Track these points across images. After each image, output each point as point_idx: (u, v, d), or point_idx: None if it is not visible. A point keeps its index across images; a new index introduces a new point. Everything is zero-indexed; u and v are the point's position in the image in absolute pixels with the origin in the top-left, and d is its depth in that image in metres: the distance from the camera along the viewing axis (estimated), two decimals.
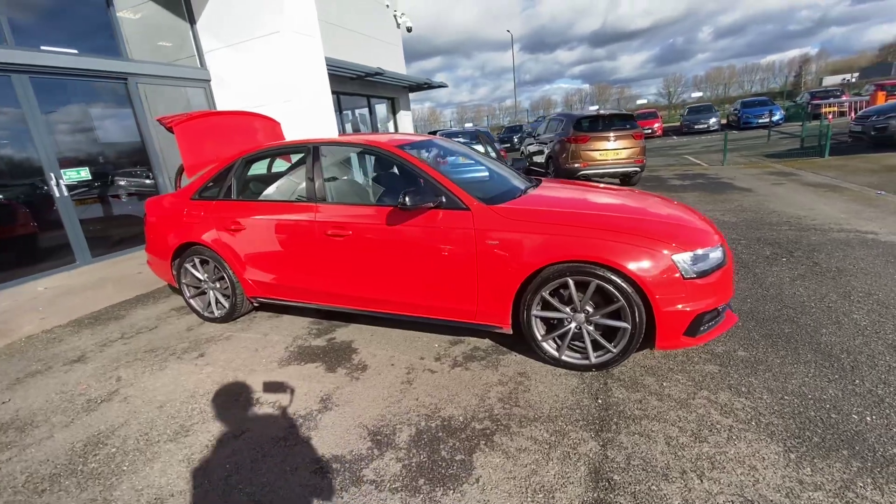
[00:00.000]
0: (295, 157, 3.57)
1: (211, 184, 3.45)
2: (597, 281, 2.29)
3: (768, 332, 2.74)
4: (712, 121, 20.49)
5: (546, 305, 2.47)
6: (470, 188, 2.67)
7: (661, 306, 2.22)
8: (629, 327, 2.31)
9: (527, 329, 2.53)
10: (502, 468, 1.84)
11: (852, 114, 13.42)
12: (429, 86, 13.49)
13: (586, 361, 2.46)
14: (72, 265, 5.55)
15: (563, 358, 2.50)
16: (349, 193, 3.33)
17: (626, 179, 8.76)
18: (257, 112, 4.41)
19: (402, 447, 2.00)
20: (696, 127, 20.56)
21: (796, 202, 6.11)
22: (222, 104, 7.49)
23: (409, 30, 13.04)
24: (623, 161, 8.39)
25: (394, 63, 12.32)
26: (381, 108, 12.94)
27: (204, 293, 3.59)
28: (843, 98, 18.52)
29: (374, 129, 12.32)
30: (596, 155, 8.31)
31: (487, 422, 2.12)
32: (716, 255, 2.34)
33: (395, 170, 3.38)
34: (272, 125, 4.46)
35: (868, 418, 1.94)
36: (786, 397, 2.13)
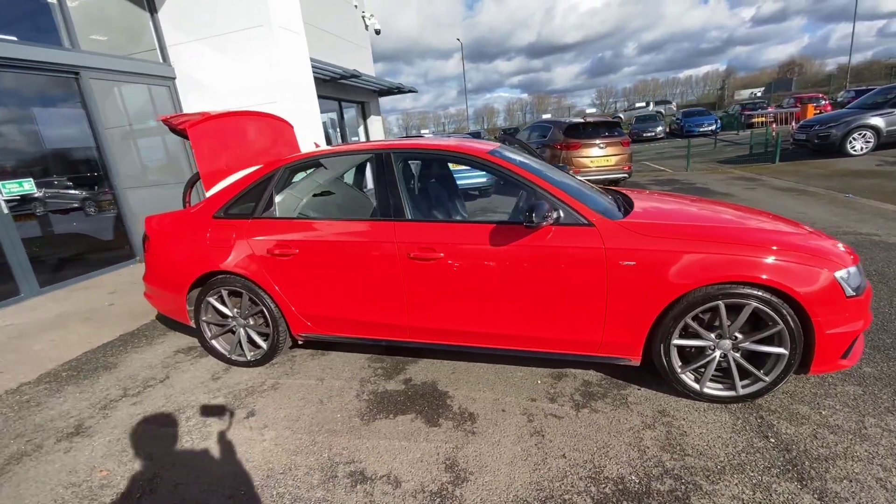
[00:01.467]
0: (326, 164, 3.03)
1: (242, 198, 2.83)
2: (755, 304, 2.04)
3: (873, 343, 2.65)
4: (659, 129, 21.80)
5: (685, 333, 2.19)
6: (586, 201, 2.34)
7: (824, 328, 2.02)
8: (786, 353, 2.08)
9: (662, 360, 2.23)
10: None
11: (793, 123, 14.78)
12: (399, 90, 13.01)
13: (732, 393, 2.21)
14: (15, 299, 4.50)
15: (705, 390, 2.23)
16: (430, 209, 2.85)
17: (611, 186, 8.88)
18: (271, 113, 3.78)
19: None
20: (644, 135, 21.76)
21: (782, 206, 6.39)
22: (191, 106, 6.58)
23: (377, 32, 12.51)
24: (612, 167, 8.49)
25: (363, 66, 11.73)
26: (350, 113, 12.27)
27: (231, 332, 2.94)
28: (769, 109, 20.46)
29: (344, 136, 11.62)
30: (587, 161, 8.33)
31: (669, 480, 1.79)
32: (859, 270, 2.19)
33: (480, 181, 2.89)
34: (287, 128, 3.85)
35: None
36: None
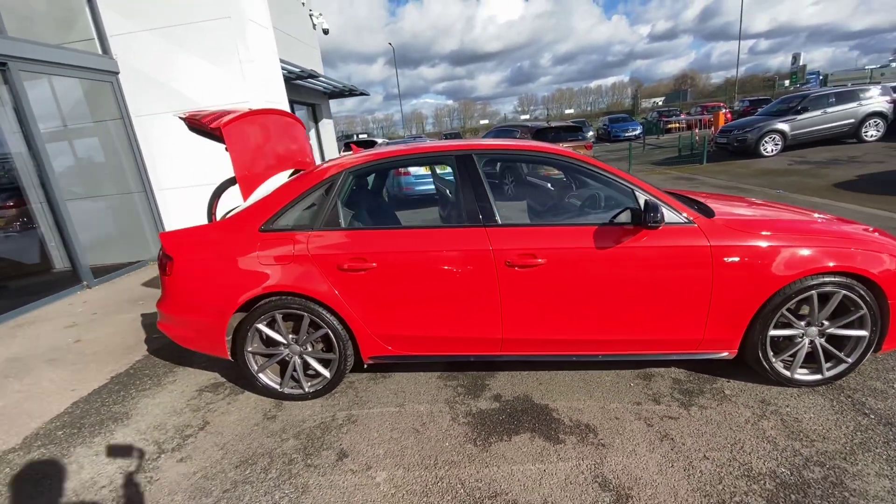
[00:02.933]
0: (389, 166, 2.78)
1: (294, 208, 2.48)
2: (844, 292, 2.20)
3: None
4: (590, 134, 23.33)
5: (779, 324, 2.30)
6: (679, 199, 2.37)
7: None
8: (867, 335, 2.26)
9: (758, 351, 2.31)
10: None
11: (713, 128, 16.57)
12: (351, 93, 12.53)
13: (818, 376, 2.35)
14: None
15: (795, 376, 2.35)
16: (518, 212, 2.68)
17: None
18: (284, 109, 3.38)
19: None
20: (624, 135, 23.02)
21: None
22: (138, 105, 5.74)
23: (325, 32, 11.95)
24: None
25: (315, 67, 11.12)
26: (300, 116, 11.56)
27: (285, 362, 2.55)
28: (682, 116, 22.88)
29: None
30: None
31: (815, 468, 1.84)
32: None
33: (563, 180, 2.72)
34: (300, 127, 3.47)
35: None
36: None
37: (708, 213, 2.37)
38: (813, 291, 2.20)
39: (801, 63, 35.83)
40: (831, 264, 2.15)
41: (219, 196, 2.79)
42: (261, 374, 2.57)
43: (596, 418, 2.24)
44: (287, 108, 6.74)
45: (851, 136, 11.62)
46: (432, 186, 8.46)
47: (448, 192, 2.47)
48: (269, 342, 2.54)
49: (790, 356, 2.36)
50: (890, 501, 1.66)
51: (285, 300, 2.39)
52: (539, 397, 2.45)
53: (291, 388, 2.57)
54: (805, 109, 11.61)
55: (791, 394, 2.33)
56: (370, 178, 2.57)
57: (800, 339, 2.32)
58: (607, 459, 1.96)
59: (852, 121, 11.46)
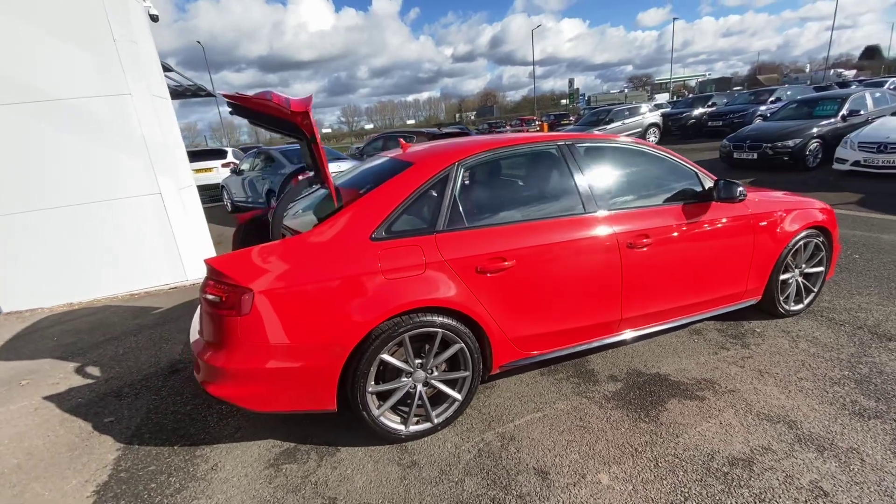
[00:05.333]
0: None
1: (407, 209, 2.07)
2: (815, 240, 3.03)
3: None
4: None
5: (785, 270, 3.01)
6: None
7: (838, 246, 3.19)
8: (824, 269, 3.17)
9: (774, 293, 2.99)
10: None
11: None
12: (194, 93, 10.52)
13: (802, 306, 3.16)
14: None
15: (792, 308, 3.11)
16: (614, 197, 2.65)
17: None
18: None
19: None
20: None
21: None
22: None
23: (154, 18, 9.76)
24: None
25: None
26: None
27: (408, 395, 2.11)
28: (507, 128, 26.42)
29: None
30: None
31: (861, 366, 2.50)
32: None
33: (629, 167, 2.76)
34: None
35: None
36: None
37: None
38: (801, 242, 2.96)
39: (575, 86, 45.24)
40: (809, 221, 2.95)
41: (292, 189, 2.08)
42: (382, 418, 2.07)
43: (704, 373, 2.55)
44: (171, 105, 5.35)
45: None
46: None
47: (548, 180, 2.43)
48: (386, 375, 2.07)
49: (786, 295, 3.11)
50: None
51: (418, 318, 2.00)
52: (644, 368, 2.64)
53: (416, 424, 2.15)
54: (612, 120, 14.83)
55: (793, 323, 3.07)
56: (481, 170, 2.33)
57: (792, 281, 3.09)
58: (748, 400, 2.27)
59: (640, 129, 15.14)
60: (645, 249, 2.44)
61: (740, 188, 2.56)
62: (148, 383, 2.91)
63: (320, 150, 1.95)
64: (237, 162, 13.50)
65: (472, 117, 66.65)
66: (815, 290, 3.19)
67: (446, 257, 2.05)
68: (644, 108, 16.34)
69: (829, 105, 9.07)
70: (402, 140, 2.89)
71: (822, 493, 1.71)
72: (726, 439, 2.02)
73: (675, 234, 2.53)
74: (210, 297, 1.87)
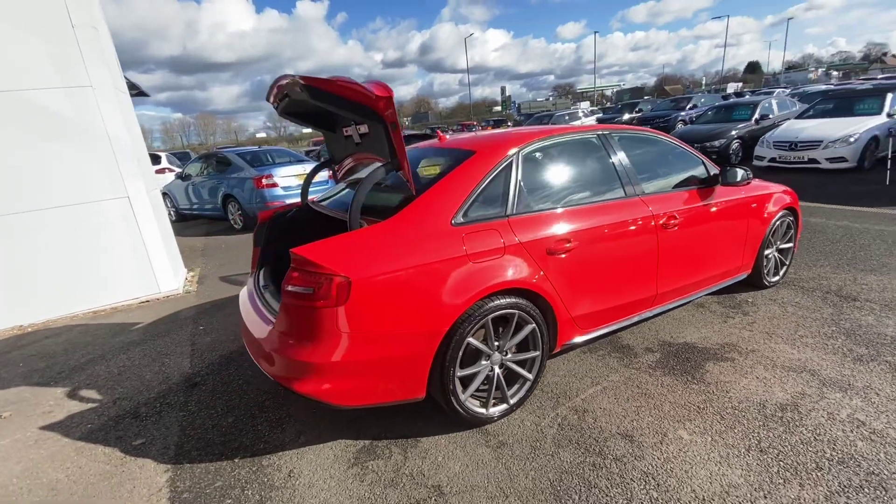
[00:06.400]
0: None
1: (480, 195, 2.11)
2: (788, 219, 3.50)
3: None
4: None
5: (768, 246, 3.44)
6: None
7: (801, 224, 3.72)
8: (792, 245, 3.67)
9: (762, 267, 3.41)
10: None
11: None
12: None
13: (778, 277, 3.62)
14: None
15: (771, 280, 3.56)
16: (647, 180, 2.77)
17: None
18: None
19: None
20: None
21: None
22: None
23: None
24: None
25: None
26: None
27: (488, 378, 2.13)
28: (450, 132, 26.94)
29: None
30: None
31: (846, 323, 2.94)
32: None
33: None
34: None
35: None
36: None
37: None
38: (779, 222, 3.41)
39: (507, 94, 47.12)
40: (785, 203, 3.41)
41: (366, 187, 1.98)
42: (468, 402, 2.08)
43: (723, 339, 2.85)
44: (129, 100, 4.84)
45: None
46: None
47: (592, 166, 2.60)
48: (466, 360, 2.08)
49: (768, 268, 3.55)
50: (872, 310, 2.86)
51: (501, 300, 2.04)
52: (671, 339, 2.89)
53: (494, 405, 2.18)
54: (554, 125, 15.69)
55: (775, 292, 3.51)
56: (538, 157, 2.40)
57: (772, 255, 3.54)
58: (769, 357, 2.58)
59: None
60: (675, 229, 2.68)
61: (744, 172, 2.91)
62: (167, 400, 2.64)
63: (400, 137, 1.93)
64: (173, 168, 12.43)
65: (408, 122, 66.77)
66: (787, 263, 3.68)
67: (521, 240, 2.12)
68: (581, 113, 17.53)
69: (744, 110, 10.39)
70: (438, 131, 2.91)
71: (860, 422, 2.00)
72: (768, 390, 2.29)
73: (695, 215, 2.81)
74: (298, 288, 1.77)
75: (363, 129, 2.34)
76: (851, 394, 2.21)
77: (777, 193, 3.39)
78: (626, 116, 17.75)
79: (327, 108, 2.02)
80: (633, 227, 2.50)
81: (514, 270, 2.07)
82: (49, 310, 4.10)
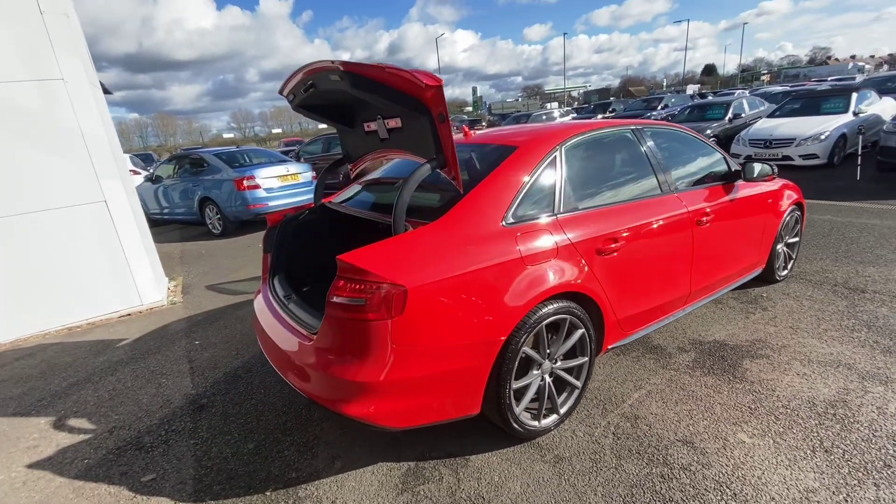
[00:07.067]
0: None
1: (527, 193, 1.97)
2: (796, 214, 3.56)
3: None
4: None
5: (780, 240, 3.48)
6: None
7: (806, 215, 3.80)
8: (799, 239, 3.73)
9: (774, 262, 3.44)
10: None
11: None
12: None
13: (786, 272, 3.67)
14: None
15: (782, 274, 3.60)
16: (679, 176, 2.72)
17: None
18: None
19: None
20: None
21: None
22: None
23: None
24: None
25: None
26: None
27: (538, 388, 2.00)
28: None
29: None
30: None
31: (863, 315, 2.99)
32: None
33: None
34: None
35: None
36: None
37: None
38: (789, 216, 3.46)
39: (479, 94, 47.37)
40: (794, 198, 3.46)
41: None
42: (522, 415, 1.94)
43: (751, 335, 2.83)
44: (102, 94, 4.43)
45: None
46: (299, 199, 7.28)
47: (629, 162, 2.52)
48: (520, 369, 1.95)
49: (779, 263, 3.59)
50: (883, 301, 2.92)
51: (556, 305, 1.91)
52: (700, 338, 2.85)
53: (544, 416, 2.05)
54: (531, 123, 15.81)
55: (785, 286, 3.55)
56: (579, 153, 2.28)
57: (782, 250, 3.59)
58: (802, 352, 2.58)
59: None
60: (707, 226, 2.64)
61: (765, 167, 2.90)
62: (172, 426, 2.37)
63: (449, 131, 1.77)
64: (138, 170, 11.70)
65: None
66: (794, 257, 3.74)
67: (573, 240, 2.00)
68: (556, 113, 17.74)
69: (718, 109, 10.75)
70: (465, 127, 2.75)
71: None
72: (812, 387, 2.27)
73: (723, 211, 2.78)
74: (347, 300, 1.59)
75: (392, 123, 2.17)
76: (893, 386, 2.21)
77: (787, 189, 3.43)
78: (600, 116, 18.10)
79: (365, 98, 1.84)
80: (672, 225, 2.43)
81: (567, 272, 1.95)
82: (17, 328, 3.68)
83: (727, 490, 1.70)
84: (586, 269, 2.03)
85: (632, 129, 2.56)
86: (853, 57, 79.74)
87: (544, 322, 1.90)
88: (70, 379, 2.96)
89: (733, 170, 2.98)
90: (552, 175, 2.10)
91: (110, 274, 4.00)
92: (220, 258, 6.05)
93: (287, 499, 1.84)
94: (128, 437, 2.31)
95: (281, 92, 2.37)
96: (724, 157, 3.03)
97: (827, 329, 2.82)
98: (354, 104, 2.35)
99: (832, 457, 1.81)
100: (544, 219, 1.99)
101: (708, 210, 2.64)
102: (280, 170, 7.33)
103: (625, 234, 2.20)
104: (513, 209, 1.92)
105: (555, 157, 2.14)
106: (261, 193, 7.00)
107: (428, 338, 1.65)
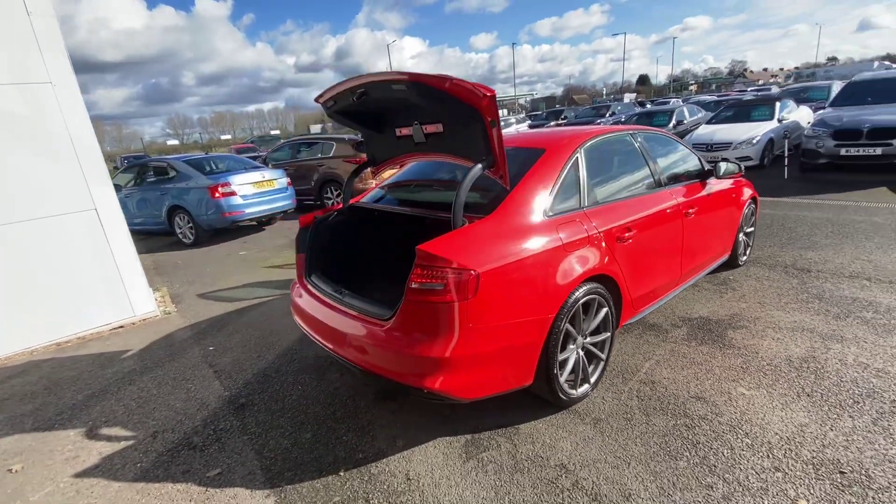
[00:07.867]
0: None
1: (559, 189, 2.25)
2: (753, 206, 4.13)
3: None
4: None
5: (740, 231, 4.01)
6: None
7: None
8: (754, 229, 4.32)
9: (737, 250, 3.96)
10: None
11: None
12: None
13: (746, 257, 4.24)
14: None
15: (743, 259, 4.15)
16: (668, 173, 3.10)
17: None
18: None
19: None
20: None
21: None
22: None
23: None
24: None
25: None
26: None
27: (574, 360, 2.27)
28: None
29: None
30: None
31: (828, 291, 3.55)
32: None
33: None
34: None
35: None
36: None
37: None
38: (748, 209, 4.01)
39: None
40: (752, 192, 4.03)
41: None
42: (565, 385, 2.20)
43: (728, 311, 3.28)
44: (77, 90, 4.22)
45: None
46: (274, 206, 7.21)
47: (631, 162, 2.88)
48: (567, 341, 2.21)
49: (740, 250, 4.13)
50: (826, 278, 3.49)
51: (590, 286, 2.20)
52: (688, 315, 3.26)
53: (580, 386, 2.33)
54: None
55: (746, 270, 4.10)
56: (594, 154, 2.56)
57: (741, 238, 4.13)
58: (772, 322, 3.04)
59: None
60: (692, 217, 3.05)
61: (732, 165, 3.39)
62: (218, 426, 2.40)
63: (500, 134, 1.99)
64: None
65: (327, 127, 64.75)
66: (751, 244, 4.31)
67: (600, 229, 2.30)
68: (513, 119, 18.47)
69: (663, 117, 11.78)
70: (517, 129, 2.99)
71: (866, 364, 2.47)
72: (787, 348, 2.71)
73: (702, 204, 3.22)
74: (426, 285, 1.77)
75: (431, 128, 2.37)
76: (847, 343, 2.70)
77: (744, 185, 3.98)
78: (553, 123, 19.08)
79: (423, 104, 2.05)
80: (670, 215, 2.81)
81: (597, 258, 2.25)
82: (2, 345, 3.45)
83: (740, 430, 2.05)
84: (609, 254, 2.34)
85: (630, 133, 2.93)
86: (765, 70, 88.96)
87: (580, 301, 2.17)
88: (85, 391, 2.87)
89: (706, 168, 3.44)
90: (577, 173, 2.39)
91: (102, 284, 3.84)
92: (201, 267, 5.88)
93: (361, 476, 1.97)
94: (175, 440, 2.32)
95: (318, 99, 2.49)
96: (699, 158, 3.49)
97: (788, 302, 3.33)
98: (388, 111, 2.52)
99: (814, 399, 2.22)
100: (575, 211, 2.28)
101: (692, 203, 3.06)
102: (255, 176, 7.20)
103: (636, 224, 2.53)
104: (550, 203, 2.19)
105: (577, 157, 2.43)
106: (237, 200, 6.85)
107: (494, 316, 1.87)
